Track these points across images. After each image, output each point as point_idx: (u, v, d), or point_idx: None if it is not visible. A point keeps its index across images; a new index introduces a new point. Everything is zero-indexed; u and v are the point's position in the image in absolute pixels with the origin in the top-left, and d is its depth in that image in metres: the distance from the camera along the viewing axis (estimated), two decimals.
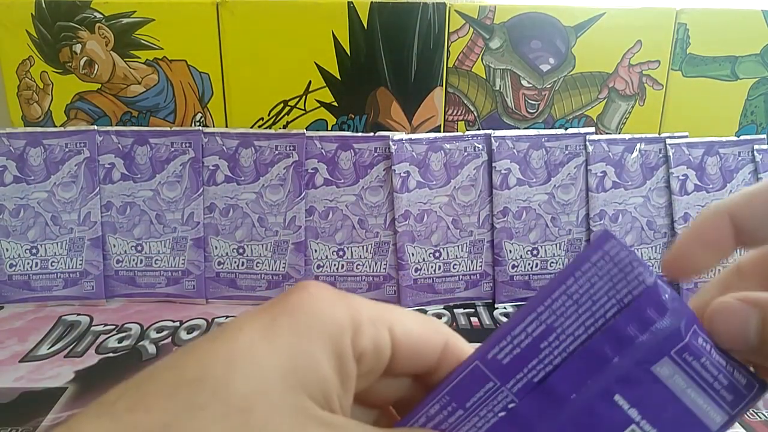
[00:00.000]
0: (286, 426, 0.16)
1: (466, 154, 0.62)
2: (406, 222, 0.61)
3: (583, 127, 0.65)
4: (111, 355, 0.52)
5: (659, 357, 0.19)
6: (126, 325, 0.57)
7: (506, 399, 0.19)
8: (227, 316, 0.59)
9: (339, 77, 0.62)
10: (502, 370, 0.19)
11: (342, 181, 0.61)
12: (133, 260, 0.61)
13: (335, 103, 0.63)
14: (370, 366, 0.19)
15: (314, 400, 0.17)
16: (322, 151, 0.61)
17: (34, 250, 0.60)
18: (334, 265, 0.62)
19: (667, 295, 0.19)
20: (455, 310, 0.61)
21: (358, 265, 0.62)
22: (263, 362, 0.16)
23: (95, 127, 0.62)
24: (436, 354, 0.20)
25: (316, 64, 0.62)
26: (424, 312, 0.61)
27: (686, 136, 0.65)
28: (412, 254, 0.61)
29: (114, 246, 0.61)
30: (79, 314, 0.59)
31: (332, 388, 0.17)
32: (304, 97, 0.63)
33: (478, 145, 0.62)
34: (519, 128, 0.65)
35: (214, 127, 0.63)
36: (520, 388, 0.19)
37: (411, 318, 0.20)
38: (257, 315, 0.17)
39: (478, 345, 0.20)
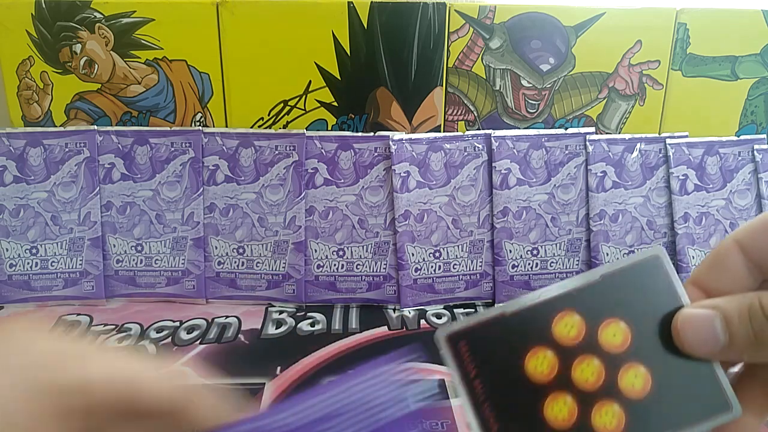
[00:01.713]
0: None
1: (466, 154, 0.62)
2: (406, 222, 0.61)
3: (583, 127, 0.65)
4: None
5: None
6: (126, 325, 0.57)
7: None
8: (227, 316, 0.59)
9: (339, 77, 0.62)
10: None
11: (342, 181, 0.61)
12: (133, 260, 0.61)
13: (335, 103, 0.63)
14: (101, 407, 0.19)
15: None
16: (322, 151, 0.61)
17: (34, 250, 0.60)
18: (334, 265, 0.62)
19: None
20: (455, 310, 0.61)
21: (358, 265, 0.62)
22: None
23: (95, 127, 0.62)
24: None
25: (316, 64, 0.62)
26: (425, 312, 0.61)
27: (686, 136, 0.65)
28: (412, 254, 0.61)
29: (114, 246, 0.61)
30: (79, 314, 0.59)
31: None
32: (304, 97, 0.63)
33: (478, 145, 0.62)
34: (519, 128, 0.65)
35: (214, 127, 0.63)
36: None
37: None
38: None
39: None
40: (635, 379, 0.22)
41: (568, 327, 0.22)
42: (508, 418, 0.21)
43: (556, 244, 0.63)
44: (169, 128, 0.62)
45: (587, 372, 0.22)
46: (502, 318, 0.22)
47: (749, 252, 0.22)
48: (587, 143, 0.63)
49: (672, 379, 0.22)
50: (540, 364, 0.21)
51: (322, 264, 0.62)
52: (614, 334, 0.22)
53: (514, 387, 0.21)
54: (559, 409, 0.21)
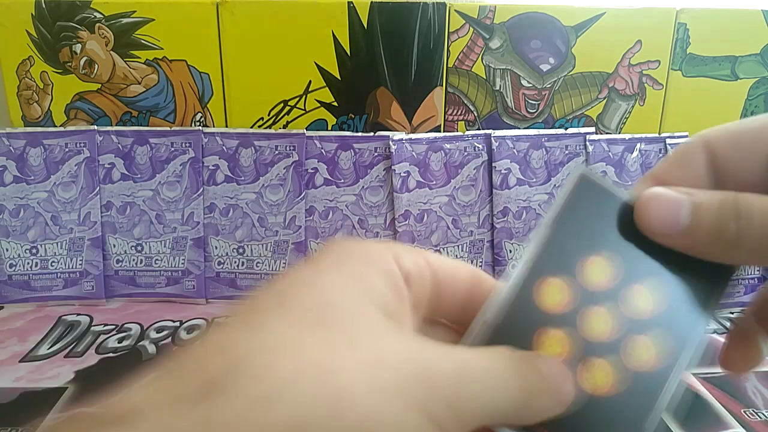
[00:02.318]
0: (362, 322, 0.17)
1: (466, 154, 0.62)
2: (406, 222, 0.61)
3: (583, 127, 0.65)
4: (111, 355, 0.52)
5: None
6: (126, 325, 0.57)
7: None
8: (227, 316, 0.59)
9: (339, 77, 0.62)
10: None
11: (342, 181, 0.61)
12: (133, 260, 0.61)
13: (335, 103, 0.63)
14: (417, 288, 0.20)
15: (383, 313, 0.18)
16: (322, 151, 0.61)
17: (34, 250, 0.60)
18: None
19: None
20: None
21: None
22: (333, 283, 0.18)
23: (95, 127, 0.62)
24: (467, 282, 0.22)
25: (316, 64, 0.62)
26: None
27: (686, 136, 0.65)
28: None
29: (114, 246, 0.61)
30: (79, 314, 0.59)
31: (392, 305, 0.19)
32: (304, 97, 0.63)
33: (478, 145, 0.62)
34: (519, 128, 0.65)
35: (214, 127, 0.63)
36: None
37: (439, 255, 0.23)
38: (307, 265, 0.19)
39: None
40: (641, 301, 0.21)
41: (554, 295, 0.21)
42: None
43: None
44: (169, 128, 0.62)
45: (598, 323, 0.21)
46: (489, 328, 0.21)
47: (714, 154, 0.23)
48: (587, 143, 0.63)
49: (670, 284, 0.21)
50: (551, 344, 0.20)
51: None
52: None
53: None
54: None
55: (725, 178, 0.22)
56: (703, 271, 0.21)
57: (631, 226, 0.21)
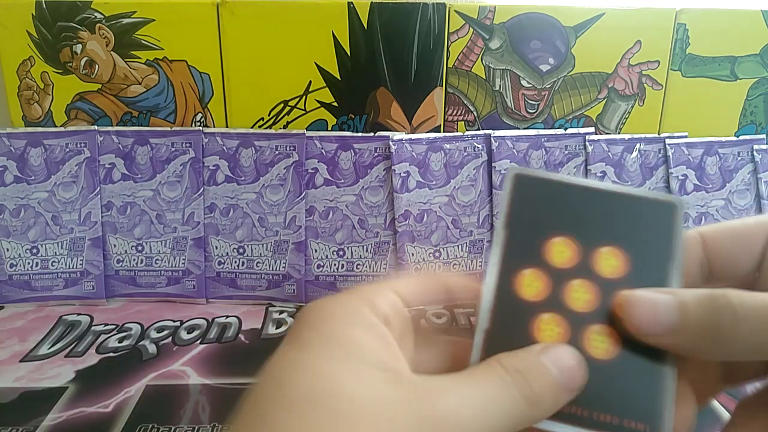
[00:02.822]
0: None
1: (466, 154, 0.62)
2: (406, 222, 0.61)
3: (582, 127, 0.65)
4: (111, 354, 0.52)
5: None
6: (126, 325, 0.57)
7: None
8: (227, 316, 0.59)
9: (339, 77, 0.62)
10: None
11: (342, 181, 0.61)
12: (134, 260, 0.61)
13: (335, 103, 0.63)
14: (398, 325, 0.22)
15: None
16: (322, 151, 0.61)
17: (34, 250, 0.60)
18: (334, 264, 0.62)
19: None
20: (455, 310, 0.62)
21: (358, 264, 0.62)
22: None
23: (96, 127, 0.62)
24: (441, 294, 0.25)
25: (316, 64, 0.62)
26: (424, 311, 0.61)
27: (686, 136, 0.65)
28: (412, 254, 0.61)
29: (114, 246, 0.61)
30: (79, 314, 0.59)
31: (385, 358, 0.20)
32: (304, 97, 0.63)
33: (477, 145, 0.62)
34: (519, 128, 0.65)
35: (214, 127, 0.64)
36: None
37: (406, 279, 0.24)
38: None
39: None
40: (610, 260, 0.22)
41: (532, 284, 0.22)
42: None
43: None
44: (169, 128, 0.62)
45: (581, 294, 0.22)
46: (486, 335, 0.22)
47: (709, 249, 0.23)
48: (587, 143, 0.63)
49: None
50: (548, 328, 0.22)
51: (322, 264, 0.62)
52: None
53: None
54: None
55: (716, 272, 0.23)
56: (653, 216, 0.22)
57: (574, 200, 0.23)
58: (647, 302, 0.21)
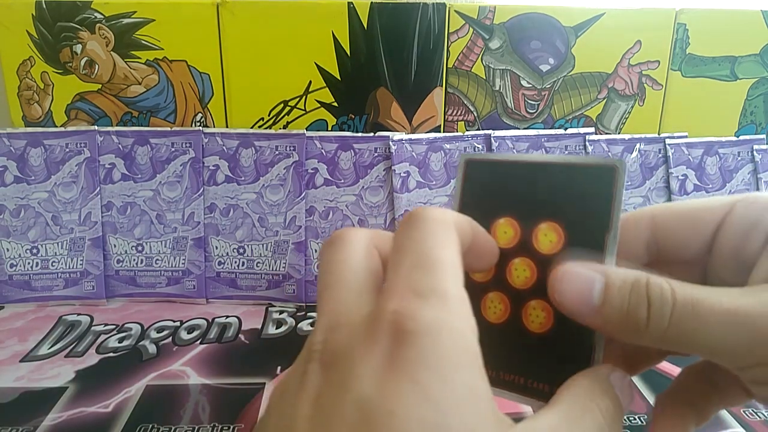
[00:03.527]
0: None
1: None
2: None
3: (582, 127, 0.65)
4: (111, 354, 0.52)
5: None
6: (126, 325, 0.57)
7: None
8: (227, 316, 0.59)
9: (339, 77, 0.62)
10: None
11: (342, 181, 0.61)
12: (134, 260, 0.61)
13: (335, 104, 0.63)
14: None
15: None
16: (322, 151, 0.61)
17: (34, 250, 0.60)
18: None
19: None
20: None
21: None
22: None
23: (96, 127, 0.62)
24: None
25: (316, 64, 0.62)
26: None
27: (686, 136, 0.65)
28: None
29: (114, 246, 0.61)
30: (79, 314, 0.59)
31: None
32: (304, 97, 0.63)
33: (477, 145, 0.62)
34: (519, 128, 0.65)
35: (214, 127, 0.64)
36: None
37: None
38: None
39: None
40: (549, 236, 0.23)
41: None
42: None
43: None
44: (169, 128, 0.62)
45: (522, 271, 0.23)
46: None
47: (659, 229, 0.23)
48: (587, 143, 0.63)
49: None
50: (492, 306, 0.23)
51: None
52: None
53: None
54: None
55: (666, 253, 0.23)
56: (592, 184, 0.22)
57: (518, 179, 0.23)
58: (574, 279, 0.20)
